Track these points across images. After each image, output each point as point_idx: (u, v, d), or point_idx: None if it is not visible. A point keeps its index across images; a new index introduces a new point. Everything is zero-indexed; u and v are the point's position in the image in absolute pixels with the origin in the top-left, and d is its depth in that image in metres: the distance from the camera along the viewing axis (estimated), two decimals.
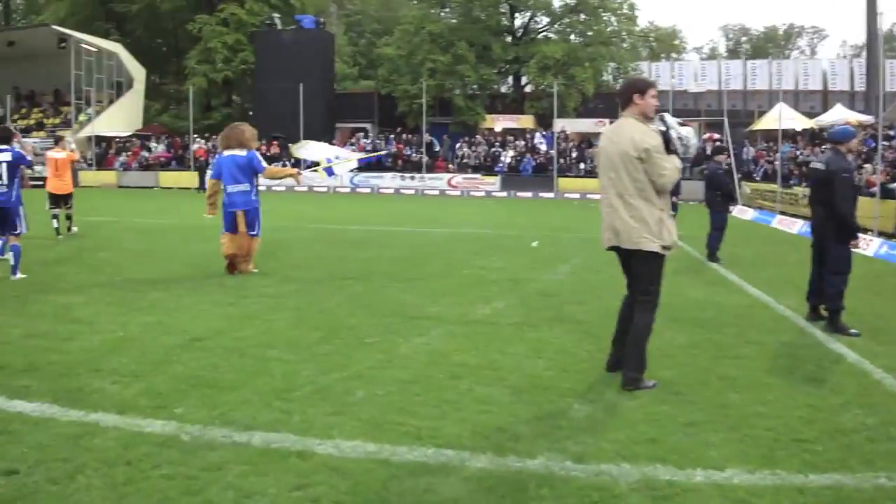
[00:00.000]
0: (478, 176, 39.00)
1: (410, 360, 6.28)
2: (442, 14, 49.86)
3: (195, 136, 45.45)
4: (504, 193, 37.46)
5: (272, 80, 45.77)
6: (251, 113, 64.39)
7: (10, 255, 10.25)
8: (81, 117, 49.51)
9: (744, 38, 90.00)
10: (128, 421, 4.74)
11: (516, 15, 50.31)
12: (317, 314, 8.04)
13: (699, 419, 5.02)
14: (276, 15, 49.53)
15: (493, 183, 38.48)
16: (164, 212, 24.92)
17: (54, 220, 15.43)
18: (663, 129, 5.79)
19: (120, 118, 50.76)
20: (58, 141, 17.97)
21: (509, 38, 50.20)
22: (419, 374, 5.86)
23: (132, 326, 7.36)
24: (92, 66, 49.01)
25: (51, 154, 15.87)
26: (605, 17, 48.85)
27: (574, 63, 45.53)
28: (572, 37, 48.91)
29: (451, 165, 40.63)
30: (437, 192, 38.13)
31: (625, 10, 49.45)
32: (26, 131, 49.18)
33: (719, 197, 14.15)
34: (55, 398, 5.15)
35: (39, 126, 50.46)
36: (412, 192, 37.57)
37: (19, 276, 10.06)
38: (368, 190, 38.64)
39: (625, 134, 5.65)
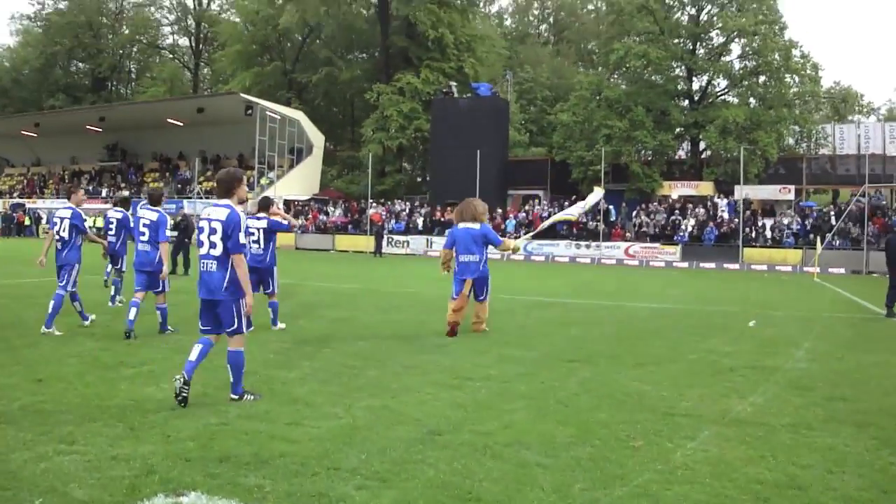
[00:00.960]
0: (657, 245, 37.56)
1: (693, 472, 5.28)
2: (612, 80, 49.12)
3: (371, 201, 46.15)
4: (685, 264, 35.81)
5: (447, 146, 46.15)
6: (420, 179, 66.05)
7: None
8: (263, 181, 51.51)
9: None
10: None
11: (693, 78, 48.91)
12: (557, 405, 7.13)
13: None
14: (452, 83, 50.12)
15: (672, 252, 36.94)
16: (346, 276, 24.73)
17: None
18: None
19: (299, 182, 52.59)
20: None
21: (686, 102, 48.84)
22: (715, 492, 4.86)
23: (357, 411, 6.70)
24: (275, 132, 51.10)
25: None
26: (787, 79, 46.57)
27: (756, 127, 43.57)
28: (751, 100, 46.82)
29: (628, 234, 39.32)
30: (613, 261, 36.95)
31: (808, 71, 47.09)
32: (211, 193, 51.68)
33: None
34: None
35: None
36: (588, 260, 36.52)
37: (280, 325, 11.65)
38: (543, 258, 37.91)
39: None
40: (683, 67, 48.06)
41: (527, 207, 43.33)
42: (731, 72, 47.13)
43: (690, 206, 40.22)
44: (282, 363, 8.91)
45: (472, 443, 5.79)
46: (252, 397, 6.98)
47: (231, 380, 6.94)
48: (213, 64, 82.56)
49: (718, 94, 49.38)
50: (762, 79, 46.91)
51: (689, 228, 37.92)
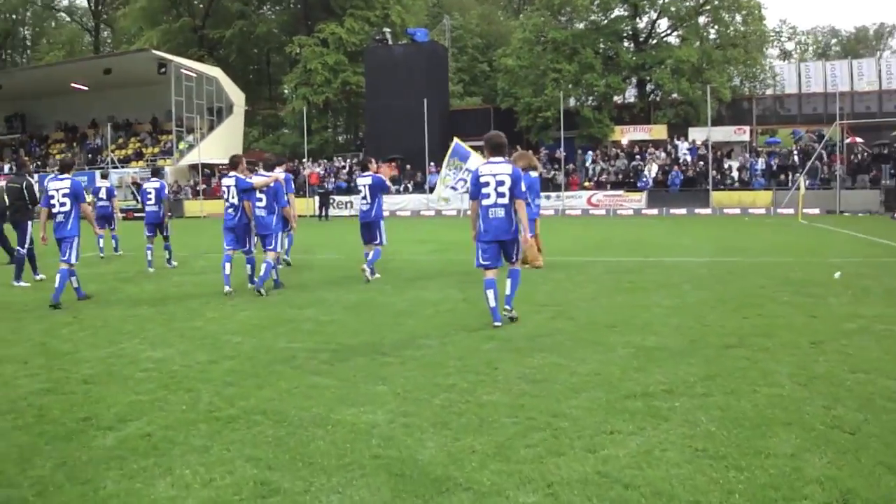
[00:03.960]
0: (621, 192, 35.25)
1: None
2: (555, 22, 46.30)
3: (309, 161, 42.49)
4: (654, 210, 33.69)
5: (383, 98, 42.82)
6: (347, 135, 62.49)
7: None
8: (182, 145, 47.46)
9: (833, 41, 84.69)
10: None
11: (637, 19, 46.42)
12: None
13: None
14: (386, 30, 46.66)
15: (638, 200, 34.75)
16: (325, 245, 20.80)
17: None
18: None
19: (220, 145, 48.65)
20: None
21: (630, 45, 46.39)
22: None
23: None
24: (192, 92, 46.95)
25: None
26: (725, 18, 44.57)
27: (709, 67, 41.62)
28: (696, 42, 44.56)
29: (587, 182, 36.86)
30: (578, 212, 34.54)
31: (754, 11, 44.96)
32: (125, 161, 47.34)
33: None
34: None
35: (138, 156, 48.53)
36: (552, 212, 33.80)
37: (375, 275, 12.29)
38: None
39: None
40: (627, 6, 45.50)
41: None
42: (678, 11, 44.74)
43: (653, 150, 37.95)
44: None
45: None
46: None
47: (508, 293, 8.22)
48: (114, 24, 76.56)
49: (662, 34, 47.21)
50: (702, 19, 44.94)
51: (653, 174, 35.67)
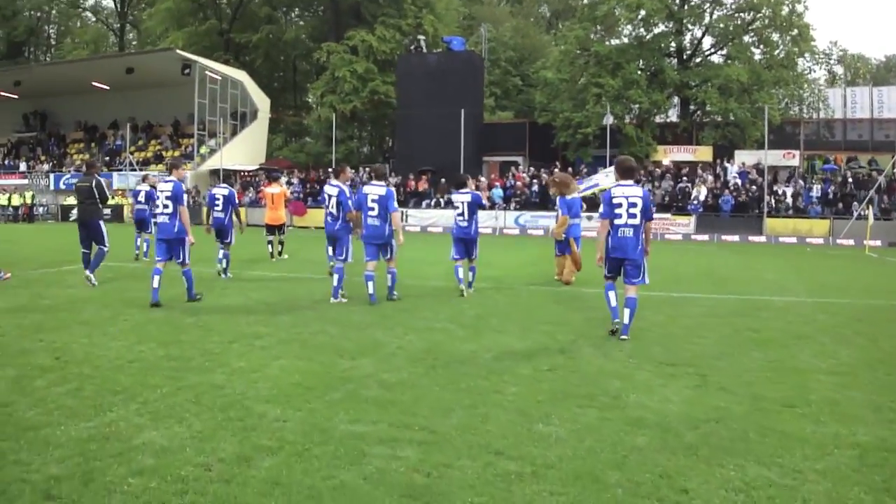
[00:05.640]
0: (668, 216, 32.98)
1: None
2: (596, 35, 44.18)
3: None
4: (705, 236, 31.45)
5: (415, 108, 40.84)
6: (372, 147, 60.54)
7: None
8: (203, 149, 45.61)
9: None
10: None
11: (681, 36, 44.14)
12: None
13: None
14: (421, 37, 44.71)
15: (686, 224, 32.52)
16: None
17: (269, 246, 18.64)
18: None
19: (244, 151, 46.87)
20: (275, 179, 20.86)
21: (674, 61, 44.09)
22: None
23: None
24: (216, 95, 45.14)
25: (267, 190, 19.29)
26: (774, 38, 42.23)
27: (758, 87, 39.40)
28: (737, 62, 42.19)
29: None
30: None
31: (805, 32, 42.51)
32: (144, 164, 45.54)
33: None
34: None
35: (158, 158, 46.71)
36: (592, 234, 31.56)
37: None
38: (541, 232, 32.80)
39: None
40: (672, 23, 43.29)
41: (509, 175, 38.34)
42: (724, 30, 42.49)
43: (700, 173, 35.73)
44: None
45: None
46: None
47: (626, 322, 8.47)
48: (140, 24, 75.04)
49: (706, 53, 44.96)
50: (746, 38, 42.65)
51: (703, 197, 33.42)
